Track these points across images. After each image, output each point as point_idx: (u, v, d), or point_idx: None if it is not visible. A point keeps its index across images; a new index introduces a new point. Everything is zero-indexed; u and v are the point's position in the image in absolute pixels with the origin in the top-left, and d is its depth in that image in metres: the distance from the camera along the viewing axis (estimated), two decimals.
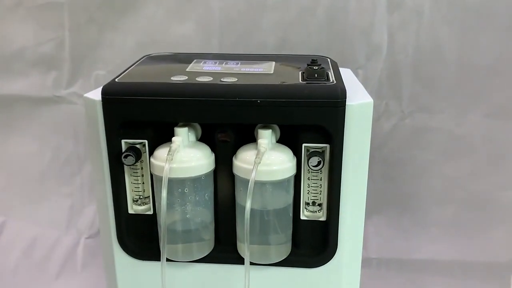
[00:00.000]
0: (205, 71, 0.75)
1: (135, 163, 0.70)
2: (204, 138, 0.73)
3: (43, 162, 1.27)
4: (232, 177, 0.72)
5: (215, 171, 0.72)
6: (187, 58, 0.84)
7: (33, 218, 1.30)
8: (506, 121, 1.15)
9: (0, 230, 1.30)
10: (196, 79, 0.70)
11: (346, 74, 0.84)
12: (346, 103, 0.66)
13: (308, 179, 0.72)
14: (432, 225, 1.25)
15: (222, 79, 0.70)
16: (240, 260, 0.72)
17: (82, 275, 1.33)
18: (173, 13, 1.14)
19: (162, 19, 1.14)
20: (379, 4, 1.11)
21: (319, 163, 0.68)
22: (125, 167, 0.72)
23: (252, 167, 0.65)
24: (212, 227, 0.75)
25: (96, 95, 0.69)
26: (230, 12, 1.13)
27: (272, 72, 0.76)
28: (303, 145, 0.70)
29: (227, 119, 0.68)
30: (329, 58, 0.88)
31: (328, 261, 0.74)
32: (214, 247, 0.76)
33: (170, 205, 0.69)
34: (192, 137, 0.71)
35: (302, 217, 0.74)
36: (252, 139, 0.72)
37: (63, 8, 1.14)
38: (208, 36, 1.15)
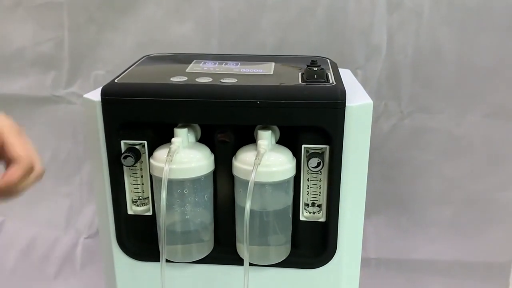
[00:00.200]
0: (205, 72, 0.75)
1: (134, 164, 0.70)
2: (204, 139, 0.72)
3: (42, 162, 1.26)
4: (231, 178, 0.71)
5: (215, 172, 0.72)
6: (186, 59, 0.84)
7: (32, 218, 1.30)
8: (506, 122, 1.15)
9: None
10: (196, 80, 0.70)
11: (346, 75, 0.84)
12: (346, 105, 0.66)
13: (308, 180, 0.72)
14: (431, 225, 1.25)
15: (221, 80, 0.70)
16: (239, 261, 0.72)
17: (81, 275, 1.33)
18: (173, 13, 1.14)
19: (162, 19, 1.14)
20: (378, 4, 1.10)
21: (318, 164, 0.68)
22: (125, 168, 0.72)
23: (251, 168, 0.65)
24: (211, 228, 0.75)
25: (95, 95, 0.69)
26: (230, 12, 1.13)
27: (272, 73, 0.76)
28: (303, 146, 0.70)
29: (226, 120, 0.68)
30: (329, 59, 0.88)
31: (328, 262, 0.74)
32: (213, 248, 0.76)
33: (169, 206, 0.69)
34: (191, 138, 0.71)
35: (302, 218, 0.74)
36: (251, 139, 0.72)
37: (62, 8, 1.14)
38: (207, 36, 1.15)
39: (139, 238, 0.76)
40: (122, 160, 0.69)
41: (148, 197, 0.75)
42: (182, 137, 0.69)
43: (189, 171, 0.68)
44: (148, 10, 1.14)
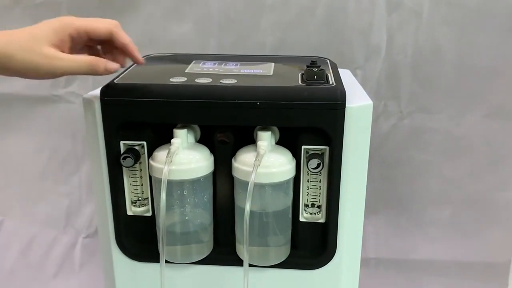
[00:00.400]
0: (204, 73, 0.75)
1: (133, 164, 0.70)
2: (203, 140, 0.72)
3: (41, 161, 1.26)
4: (231, 178, 0.71)
5: (214, 173, 0.72)
6: (186, 59, 0.84)
7: (31, 217, 1.30)
8: (505, 122, 1.15)
9: None
10: (195, 80, 0.70)
11: (346, 76, 0.84)
12: (346, 105, 0.66)
13: (308, 181, 0.72)
14: (430, 225, 1.25)
15: (221, 81, 0.70)
16: (239, 262, 0.72)
17: (80, 274, 1.33)
18: (172, 13, 1.13)
19: (161, 19, 1.14)
20: (378, 4, 1.10)
21: (318, 165, 0.68)
22: (124, 169, 0.72)
23: (251, 169, 0.65)
24: (211, 229, 0.75)
25: (94, 96, 0.69)
26: (229, 12, 1.13)
27: (271, 73, 0.76)
28: (303, 147, 0.70)
29: (226, 121, 0.68)
30: (329, 59, 0.88)
31: (327, 263, 0.74)
32: (213, 249, 0.76)
33: (169, 207, 0.69)
34: (191, 138, 0.71)
35: (301, 219, 0.74)
36: (251, 140, 0.72)
37: (61, 7, 1.14)
38: (206, 36, 1.15)
39: (139, 238, 0.76)
40: (122, 161, 0.69)
41: (148, 198, 0.75)
42: (182, 138, 0.69)
43: (189, 172, 0.68)
44: (147, 10, 1.14)
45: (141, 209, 0.75)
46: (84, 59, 0.63)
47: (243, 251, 0.67)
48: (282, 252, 0.74)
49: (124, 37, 0.67)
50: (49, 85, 1.19)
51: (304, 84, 0.69)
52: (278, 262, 0.73)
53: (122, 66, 0.69)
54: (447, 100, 1.15)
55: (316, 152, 0.69)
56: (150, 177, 0.72)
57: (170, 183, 0.67)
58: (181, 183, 0.69)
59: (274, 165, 0.67)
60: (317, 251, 0.75)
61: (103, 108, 0.68)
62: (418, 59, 1.13)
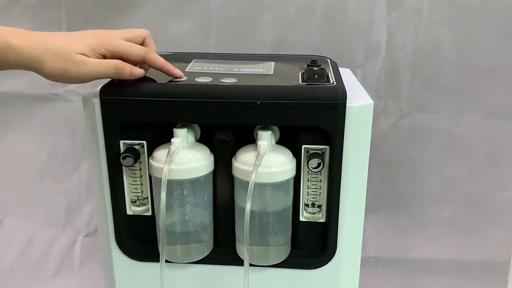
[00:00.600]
0: (205, 72, 0.75)
1: (133, 164, 0.70)
2: (203, 139, 0.72)
3: (40, 160, 1.26)
4: (231, 178, 0.71)
5: (214, 172, 0.72)
6: (186, 58, 0.84)
7: (30, 216, 1.30)
8: (505, 121, 1.15)
9: None
10: (196, 79, 0.70)
11: (346, 75, 0.84)
12: (346, 105, 0.65)
13: (308, 180, 0.72)
14: (430, 224, 1.25)
15: (221, 80, 0.69)
16: (239, 261, 0.72)
17: (80, 273, 1.33)
18: (171, 12, 1.13)
19: (160, 17, 1.14)
20: (378, 3, 1.10)
21: (319, 165, 0.68)
22: (124, 168, 0.72)
23: (251, 169, 0.64)
24: (211, 229, 0.74)
25: (94, 95, 0.68)
26: (228, 11, 1.12)
27: (271, 72, 0.76)
28: (303, 146, 0.69)
29: (226, 120, 0.68)
30: (329, 58, 0.87)
31: (327, 262, 0.74)
32: (213, 249, 0.75)
33: (169, 206, 0.69)
34: (191, 138, 0.71)
35: (302, 219, 0.74)
36: (251, 139, 0.71)
37: (60, 6, 1.13)
38: (206, 35, 1.14)
39: (138, 238, 0.76)
40: (121, 160, 0.69)
41: (147, 197, 0.74)
42: (182, 137, 0.68)
43: (189, 172, 0.68)
44: (146, 8, 1.13)
45: (141, 208, 0.75)
46: (110, 63, 0.64)
47: (243, 250, 0.67)
48: (282, 252, 0.73)
49: (157, 61, 0.69)
50: (48, 84, 1.19)
51: (305, 83, 0.69)
52: (278, 262, 0.73)
53: (146, 72, 0.70)
54: (447, 99, 1.15)
55: (317, 151, 0.69)
56: (150, 176, 0.72)
57: (170, 182, 0.67)
58: (181, 183, 0.68)
59: (274, 164, 0.67)
60: (317, 250, 0.74)
61: (102, 107, 0.68)
62: (418, 58, 1.13)
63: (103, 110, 0.68)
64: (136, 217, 0.75)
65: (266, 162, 0.66)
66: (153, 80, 0.70)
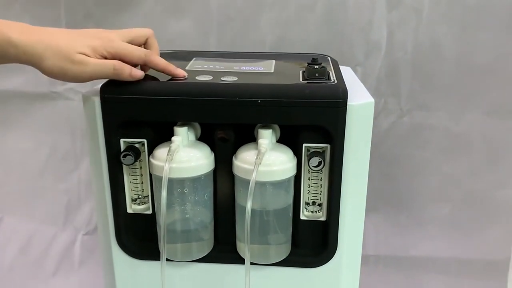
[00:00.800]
0: (205, 70, 0.75)
1: (134, 162, 0.70)
2: (204, 138, 0.72)
3: (40, 158, 1.26)
4: (232, 176, 0.71)
5: (215, 171, 0.72)
6: (186, 56, 0.84)
7: (30, 214, 1.30)
8: (505, 120, 1.15)
9: None
10: (196, 78, 0.70)
11: (347, 73, 0.83)
12: (347, 103, 0.65)
13: (309, 179, 0.72)
14: (429, 222, 1.25)
15: (222, 78, 0.69)
16: (239, 260, 0.72)
17: (80, 272, 1.33)
18: (171, 10, 1.13)
19: (160, 15, 1.13)
20: (378, 1, 1.10)
21: (319, 163, 0.68)
22: (124, 167, 0.72)
23: (252, 167, 0.64)
24: (211, 227, 0.74)
25: (94, 93, 0.68)
26: (228, 9, 1.12)
27: (272, 71, 0.76)
28: (304, 145, 0.69)
29: (227, 119, 0.68)
30: (330, 57, 0.87)
31: (328, 261, 0.74)
32: (213, 247, 0.75)
33: (169, 205, 0.69)
34: (191, 136, 0.70)
35: (302, 217, 0.74)
36: (252, 138, 0.71)
37: (59, 3, 1.13)
38: (205, 34, 1.14)
39: (139, 236, 0.76)
40: (122, 159, 0.69)
41: (148, 196, 0.74)
42: (182, 135, 0.68)
43: (189, 170, 0.68)
44: (146, 6, 1.13)
45: (141, 207, 0.75)
46: (109, 64, 0.64)
47: (243, 249, 0.67)
48: (283, 250, 0.73)
49: (158, 64, 0.69)
50: (48, 82, 1.19)
51: (305, 81, 0.69)
52: (279, 260, 0.73)
53: (146, 72, 0.70)
54: (447, 97, 1.15)
55: (317, 150, 0.69)
56: (150, 175, 0.72)
57: (170, 181, 0.67)
58: (181, 181, 0.68)
59: (275, 163, 0.67)
60: (318, 249, 0.74)
61: (103, 105, 0.68)
62: (418, 56, 1.13)
63: (103, 108, 0.68)
64: (137, 216, 0.75)
65: (267, 160, 0.66)
66: (153, 78, 0.70)
